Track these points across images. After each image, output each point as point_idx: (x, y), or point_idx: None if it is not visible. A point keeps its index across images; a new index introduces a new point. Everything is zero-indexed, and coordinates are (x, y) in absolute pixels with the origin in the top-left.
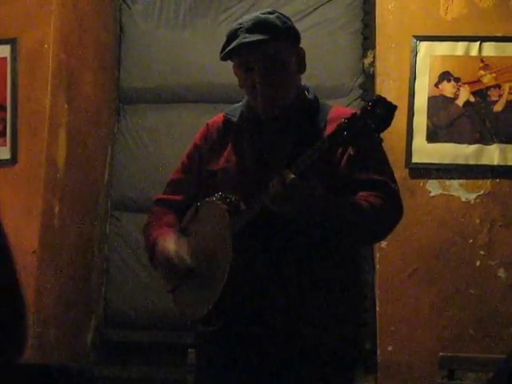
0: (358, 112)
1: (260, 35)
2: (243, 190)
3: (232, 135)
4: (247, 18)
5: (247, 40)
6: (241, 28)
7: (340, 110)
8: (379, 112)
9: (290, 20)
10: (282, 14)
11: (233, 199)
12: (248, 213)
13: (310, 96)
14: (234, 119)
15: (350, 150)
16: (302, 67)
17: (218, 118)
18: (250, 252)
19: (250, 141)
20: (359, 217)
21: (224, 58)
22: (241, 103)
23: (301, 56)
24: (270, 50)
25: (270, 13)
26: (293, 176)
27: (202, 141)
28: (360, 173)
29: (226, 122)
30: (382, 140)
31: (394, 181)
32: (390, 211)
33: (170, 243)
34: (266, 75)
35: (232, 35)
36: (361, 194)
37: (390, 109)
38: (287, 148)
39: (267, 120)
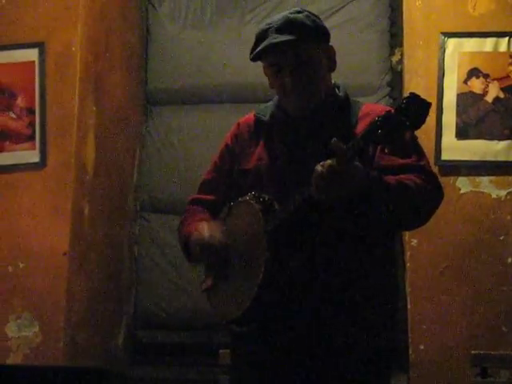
0: (392, 110)
1: (290, 35)
2: (275, 189)
3: (263, 134)
4: (276, 18)
5: (277, 40)
6: (270, 28)
7: (371, 106)
8: (413, 109)
9: (319, 18)
10: (311, 13)
11: (266, 198)
12: (282, 212)
13: (341, 94)
14: (265, 118)
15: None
16: (332, 66)
17: (248, 117)
18: (284, 252)
19: (281, 140)
20: (406, 193)
21: (254, 59)
22: (271, 102)
23: (331, 54)
24: (300, 50)
25: (298, 12)
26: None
27: (233, 140)
28: (397, 159)
29: (257, 121)
30: (416, 137)
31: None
32: (432, 191)
33: (204, 228)
34: (297, 75)
35: (261, 36)
36: (401, 175)
37: (424, 106)
38: (319, 147)
39: (298, 119)
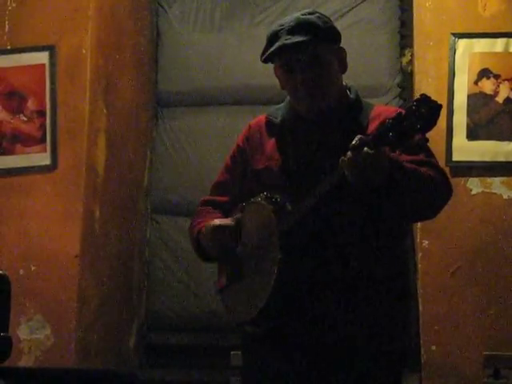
0: (403, 112)
1: (301, 36)
2: (287, 190)
3: (275, 136)
4: (288, 19)
5: (289, 41)
6: (282, 29)
7: (382, 108)
8: (424, 111)
9: (331, 20)
10: (322, 14)
11: (278, 199)
12: (295, 212)
13: (352, 95)
14: (276, 120)
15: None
16: (343, 67)
17: (260, 119)
18: (297, 252)
19: (293, 141)
20: (420, 179)
21: (265, 61)
22: (282, 104)
23: (342, 56)
24: (311, 51)
25: (310, 13)
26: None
27: (244, 142)
28: (406, 156)
29: (269, 123)
30: (427, 140)
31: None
32: (443, 184)
33: (216, 219)
34: (309, 76)
35: (273, 37)
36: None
37: (435, 108)
38: (330, 148)
39: (310, 120)
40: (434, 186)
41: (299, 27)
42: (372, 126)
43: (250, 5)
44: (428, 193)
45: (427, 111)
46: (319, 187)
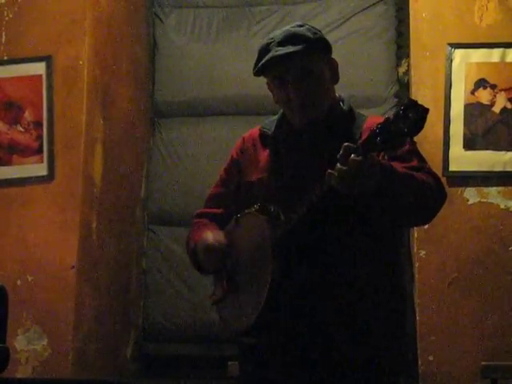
0: (391, 117)
1: (292, 47)
2: (280, 201)
3: (268, 147)
4: (278, 32)
5: (280, 53)
6: (272, 42)
7: (375, 119)
8: (411, 116)
9: (320, 32)
10: (312, 27)
11: (272, 209)
12: (287, 223)
13: (345, 107)
14: (270, 132)
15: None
16: (335, 78)
17: (253, 131)
18: (291, 262)
19: (286, 153)
20: (413, 183)
21: (257, 74)
22: (276, 116)
23: (333, 67)
24: (302, 62)
25: (299, 25)
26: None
27: (238, 154)
28: (399, 164)
29: (262, 135)
30: (415, 143)
31: None
32: (437, 189)
33: (208, 234)
34: (301, 87)
35: (264, 50)
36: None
37: (422, 112)
38: (323, 159)
39: (303, 132)
40: (427, 190)
41: (289, 39)
42: (364, 137)
43: (247, 16)
44: (421, 197)
45: (414, 115)
46: (309, 197)
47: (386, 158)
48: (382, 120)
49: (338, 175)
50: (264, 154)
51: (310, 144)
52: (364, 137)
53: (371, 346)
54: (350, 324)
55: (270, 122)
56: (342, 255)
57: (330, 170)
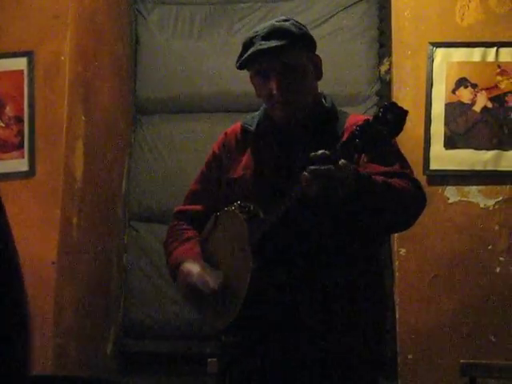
0: (370, 118)
1: (276, 42)
2: (261, 198)
3: (250, 144)
4: (263, 26)
5: (264, 47)
6: (256, 36)
7: (356, 117)
8: (391, 117)
9: (305, 27)
10: (297, 22)
11: (251, 208)
12: (267, 221)
13: (328, 104)
14: (252, 128)
15: (364, 158)
16: (318, 74)
17: (235, 127)
18: (270, 261)
19: (267, 149)
20: (391, 193)
21: (241, 67)
22: (258, 112)
23: (317, 63)
24: (286, 56)
25: (285, 20)
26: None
27: (220, 150)
28: (380, 167)
29: (244, 130)
30: (397, 144)
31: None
32: (417, 195)
33: (192, 269)
34: (284, 82)
35: (248, 43)
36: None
37: (401, 114)
38: (305, 156)
39: (285, 128)
40: (406, 199)
41: (274, 33)
42: (346, 135)
43: (229, 13)
44: (400, 206)
45: (393, 117)
46: (289, 196)
47: (365, 160)
48: (362, 121)
49: (306, 179)
50: (246, 151)
51: (293, 141)
52: (345, 136)
53: (350, 344)
54: (330, 323)
55: (251, 118)
56: (321, 255)
57: (303, 173)
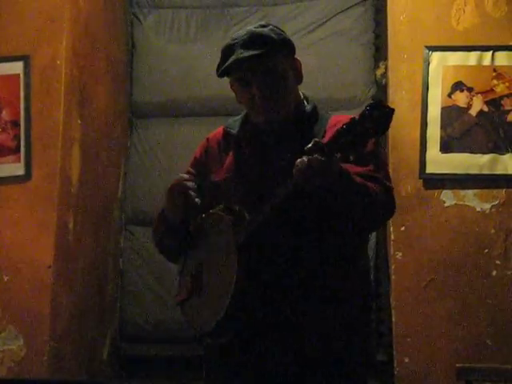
0: (356, 117)
1: (256, 50)
2: (245, 201)
3: (232, 147)
4: (241, 33)
5: (243, 55)
6: (236, 43)
7: (339, 117)
8: (377, 116)
9: (284, 32)
10: (275, 27)
11: (236, 209)
12: (252, 223)
13: (308, 107)
14: (234, 131)
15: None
16: (298, 78)
17: (217, 131)
18: (255, 263)
19: (250, 152)
20: (366, 196)
21: (221, 75)
22: (240, 116)
23: (297, 67)
24: (267, 64)
25: (263, 26)
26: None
27: (202, 154)
28: (354, 167)
29: (226, 134)
30: (379, 144)
31: (390, 181)
32: (386, 202)
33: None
34: (265, 89)
35: (227, 51)
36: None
37: (387, 112)
38: (287, 159)
39: (267, 132)
40: (376, 204)
41: (253, 40)
42: (328, 135)
43: (225, 17)
44: (369, 209)
45: (380, 116)
46: (273, 197)
47: (351, 158)
48: (347, 120)
49: (300, 167)
50: (228, 154)
51: (274, 144)
52: (328, 136)
53: (336, 346)
54: (313, 323)
55: (233, 122)
56: (307, 255)
57: (299, 159)
